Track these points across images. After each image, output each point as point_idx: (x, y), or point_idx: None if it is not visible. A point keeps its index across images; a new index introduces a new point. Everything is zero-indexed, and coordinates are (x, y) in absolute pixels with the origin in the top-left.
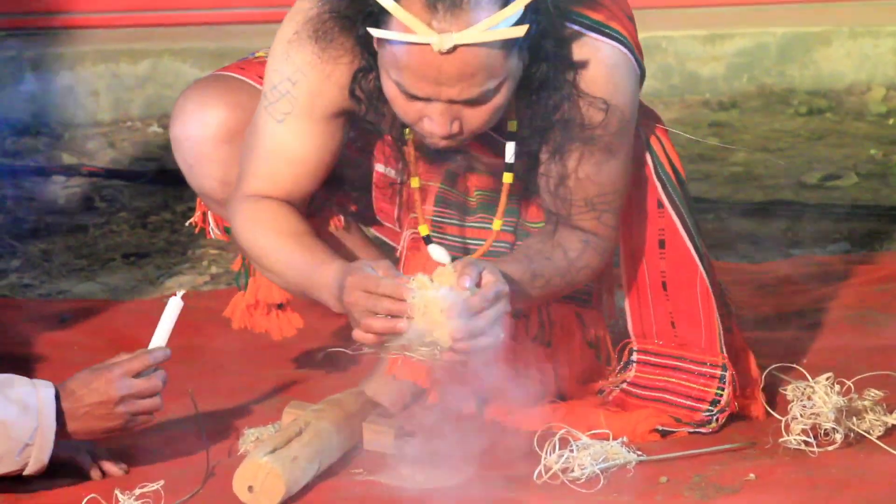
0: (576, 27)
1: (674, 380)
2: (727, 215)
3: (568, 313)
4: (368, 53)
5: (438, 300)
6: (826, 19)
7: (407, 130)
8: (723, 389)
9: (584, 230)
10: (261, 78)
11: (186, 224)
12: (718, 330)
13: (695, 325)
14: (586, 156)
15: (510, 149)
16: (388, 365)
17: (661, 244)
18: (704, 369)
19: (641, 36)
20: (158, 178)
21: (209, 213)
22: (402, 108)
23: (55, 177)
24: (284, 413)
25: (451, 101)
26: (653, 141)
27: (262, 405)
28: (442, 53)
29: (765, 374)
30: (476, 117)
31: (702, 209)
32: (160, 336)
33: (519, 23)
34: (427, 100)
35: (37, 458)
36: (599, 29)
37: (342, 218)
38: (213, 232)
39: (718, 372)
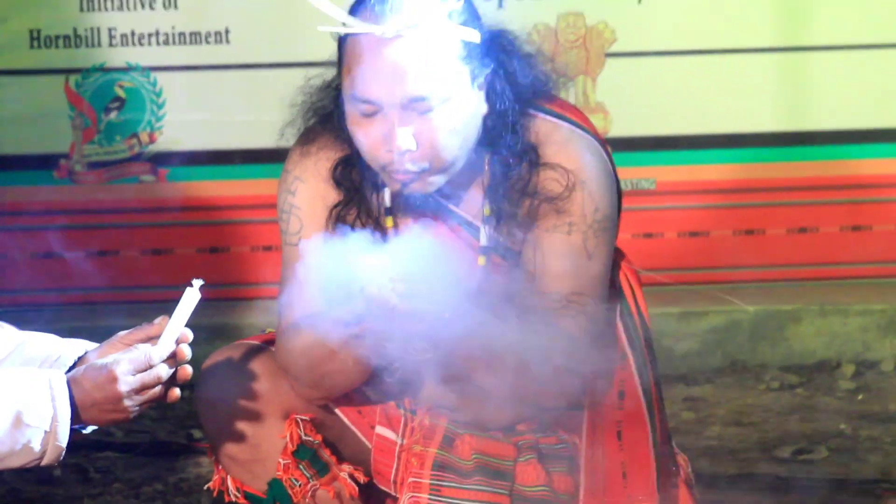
0: (536, 112)
1: None
2: (702, 488)
3: None
4: (345, 136)
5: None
6: (797, 298)
7: (389, 219)
8: None
9: (554, 330)
10: None
11: (204, 489)
12: (656, 476)
13: (645, 474)
14: (564, 248)
15: (484, 233)
16: None
17: (621, 395)
18: None
19: None
20: (150, 451)
21: (228, 477)
22: (363, 133)
23: None
24: None
25: (404, 107)
26: (624, 286)
27: None
28: (386, 38)
29: None
30: (430, 132)
31: None
32: (172, 330)
33: (470, 49)
34: (380, 113)
35: (53, 445)
36: (559, 115)
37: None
38: (234, 495)
39: None
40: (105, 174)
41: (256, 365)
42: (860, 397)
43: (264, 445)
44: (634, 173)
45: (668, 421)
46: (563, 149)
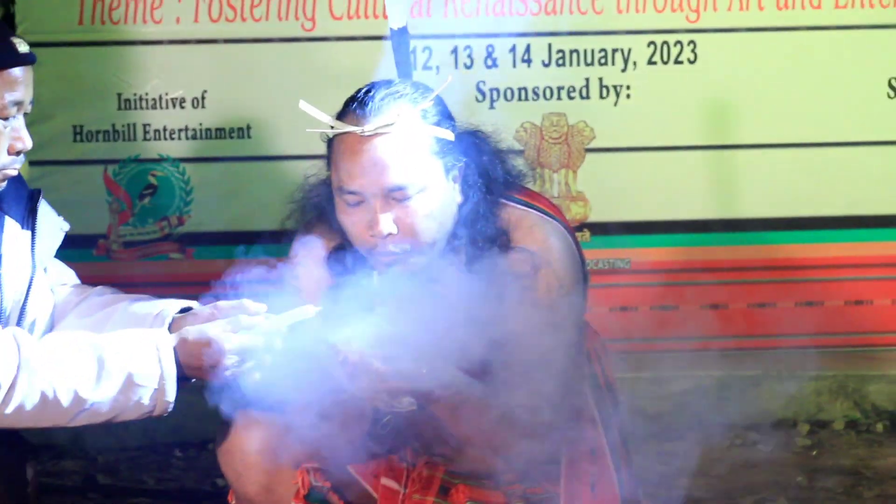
0: (508, 202)
1: None
2: None
3: None
4: (337, 226)
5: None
6: (757, 365)
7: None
8: None
9: (524, 391)
10: None
11: None
12: None
13: None
14: (532, 320)
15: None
16: None
17: (593, 451)
18: None
19: None
20: (179, 496)
21: None
22: (350, 221)
23: (90, 494)
24: None
25: (385, 196)
26: (592, 354)
27: None
28: (364, 136)
29: None
30: (408, 217)
31: None
32: (276, 323)
33: (443, 146)
34: (364, 202)
35: (162, 401)
36: (528, 204)
37: None
38: None
39: None
40: (138, 252)
41: (270, 419)
42: (814, 453)
43: (279, 490)
44: (611, 254)
45: (636, 474)
46: (530, 233)
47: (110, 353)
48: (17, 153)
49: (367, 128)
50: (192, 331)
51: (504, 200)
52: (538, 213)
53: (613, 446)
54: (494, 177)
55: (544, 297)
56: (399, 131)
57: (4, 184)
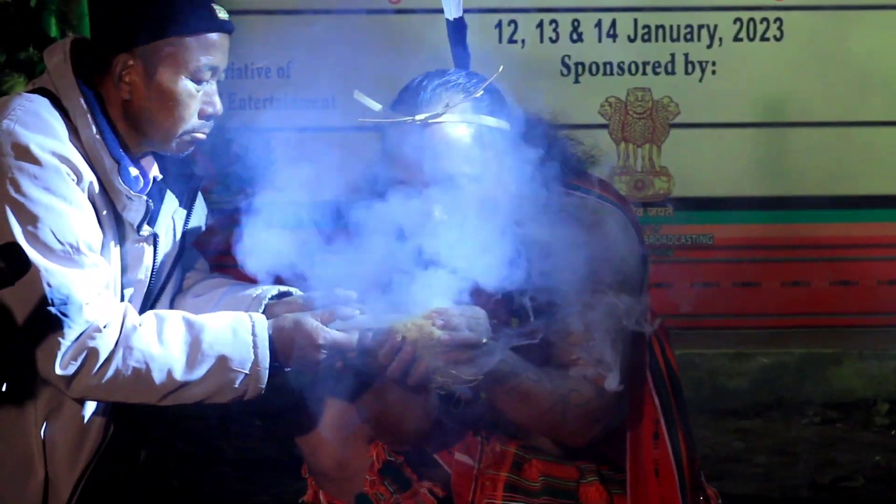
0: (566, 189)
1: None
2: None
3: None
4: None
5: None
6: (838, 343)
7: None
8: None
9: (579, 371)
10: None
11: (299, 502)
12: None
13: None
14: (583, 304)
15: (516, 297)
16: None
17: (656, 436)
18: None
19: (678, 352)
20: (259, 465)
21: (321, 492)
22: (403, 211)
23: (170, 461)
24: None
25: (435, 185)
26: (654, 340)
27: None
28: (416, 124)
29: None
30: (460, 207)
31: None
32: (371, 322)
33: (497, 135)
34: (416, 192)
35: (254, 386)
36: (587, 190)
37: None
38: None
39: None
40: (221, 220)
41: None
42: (893, 432)
43: (352, 464)
44: (694, 230)
45: (698, 458)
46: (587, 219)
47: (207, 336)
48: (208, 117)
49: (419, 117)
50: (288, 319)
51: (561, 187)
52: (596, 199)
53: (671, 432)
54: (552, 166)
55: (600, 282)
56: (451, 120)
57: (192, 147)
